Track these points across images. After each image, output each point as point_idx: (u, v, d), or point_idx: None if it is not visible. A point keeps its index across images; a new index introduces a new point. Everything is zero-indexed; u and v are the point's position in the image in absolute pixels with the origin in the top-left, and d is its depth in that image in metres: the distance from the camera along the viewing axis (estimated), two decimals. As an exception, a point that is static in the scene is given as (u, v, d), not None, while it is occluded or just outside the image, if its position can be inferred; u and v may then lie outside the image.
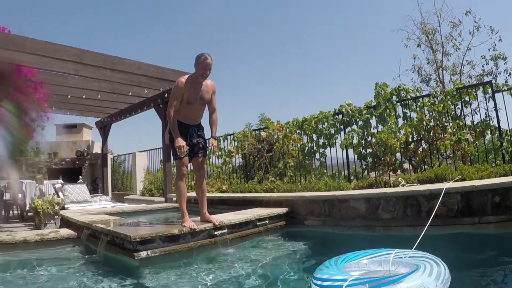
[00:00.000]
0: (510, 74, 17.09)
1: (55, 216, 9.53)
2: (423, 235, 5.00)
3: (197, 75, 6.36)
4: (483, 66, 17.98)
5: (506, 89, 8.47)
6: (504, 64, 17.41)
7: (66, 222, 8.74)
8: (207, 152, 7.13)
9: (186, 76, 6.40)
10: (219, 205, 9.96)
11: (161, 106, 13.12)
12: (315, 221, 7.84)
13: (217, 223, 6.34)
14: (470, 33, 18.31)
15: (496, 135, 8.42)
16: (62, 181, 14.73)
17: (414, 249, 4.47)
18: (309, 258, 5.90)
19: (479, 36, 18.48)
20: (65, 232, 7.57)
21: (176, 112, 6.31)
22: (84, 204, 12.94)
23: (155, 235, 5.53)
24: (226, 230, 6.47)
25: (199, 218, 6.63)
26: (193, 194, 7.12)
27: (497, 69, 17.57)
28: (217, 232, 6.32)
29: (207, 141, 6.78)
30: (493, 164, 8.12)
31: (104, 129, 18.32)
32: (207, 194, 7.55)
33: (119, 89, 12.93)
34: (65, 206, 12.06)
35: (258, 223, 7.24)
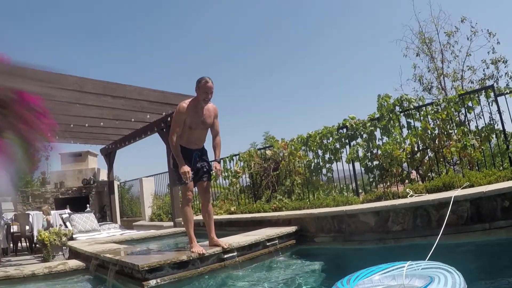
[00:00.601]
0: (511, 77, 17.10)
1: (63, 247, 9.50)
2: (435, 246, 4.95)
3: (199, 99, 6.32)
4: (484, 71, 18.00)
5: (508, 92, 8.43)
6: (505, 67, 17.43)
7: (74, 253, 8.67)
8: (212, 176, 7.07)
9: (187, 101, 6.35)
10: (228, 227, 9.86)
11: (164, 130, 13.07)
12: (325, 238, 7.75)
13: (226, 247, 6.27)
14: (468, 39, 18.37)
15: (502, 138, 8.37)
16: (69, 211, 14.73)
17: (427, 260, 4.40)
18: (322, 277, 5.83)
19: (477, 41, 18.53)
20: (74, 263, 7.53)
21: (179, 137, 6.27)
22: (93, 233, 12.89)
23: (163, 262, 5.48)
24: (235, 253, 6.39)
25: (207, 242, 6.57)
26: (201, 217, 7.06)
27: (498, 73, 17.59)
28: (226, 256, 6.25)
29: (211, 164, 6.74)
30: (500, 168, 8.07)
31: (109, 156, 18.26)
32: (216, 217, 7.50)
33: (121, 115, 12.88)
34: (74, 236, 12.02)
35: (267, 244, 7.15)
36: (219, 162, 6.65)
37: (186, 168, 6.10)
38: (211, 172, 6.77)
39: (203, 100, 6.30)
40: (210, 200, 6.88)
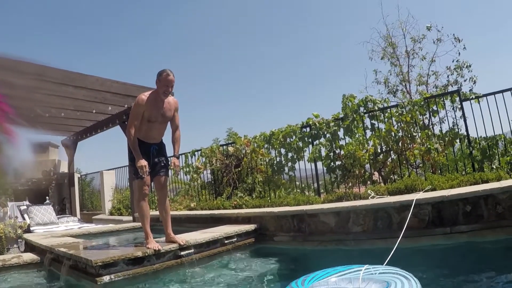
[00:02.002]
0: (475, 82, 17.27)
1: (18, 240, 9.25)
2: (396, 249, 4.92)
3: (159, 92, 6.18)
4: (448, 77, 18.14)
5: (474, 97, 8.46)
6: (469, 72, 17.58)
7: (30, 246, 8.49)
8: (173, 171, 6.94)
9: (147, 93, 6.21)
10: (187, 223, 9.72)
11: (126, 123, 12.79)
12: (284, 237, 7.68)
13: (182, 243, 6.15)
14: (434, 43, 18.50)
15: (465, 143, 8.40)
16: (28, 203, 14.41)
17: (386, 264, 4.35)
18: (278, 277, 5.77)
19: (444, 46, 18.71)
20: (28, 257, 7.34)
21: (137, 130, 6.12)
22: (51, 226, 12.67)
23: (117, 258, 5.33)
24: (192, 250, 6.28)
25: (164, 238, 6.44)
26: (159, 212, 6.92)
27: (463, 78, 17.72)
28: (183, 253, 6.13)
29: (169, 159, 6.60)
30: (463, 173, 8.11)
31: (70, 147, 17.96)
32: (175, 213, 7.35)
33: (83, 106, 12.54)
34: (31, 228, 11.79)
35: (226, 241, 7.06)
36: (177, 158, 6.49)
37: (143, 162, 5.95)
38: (169, 168, 6.64)
39: (163, 93, 6.16)
40: (167, 195, 6.75)
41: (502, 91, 7.80)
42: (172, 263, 5.99)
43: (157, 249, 5.77)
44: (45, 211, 13.46)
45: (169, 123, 6.53)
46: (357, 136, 9.55)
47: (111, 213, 16.22)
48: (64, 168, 19.62)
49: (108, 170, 17.66)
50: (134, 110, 6.23)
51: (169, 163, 6.54)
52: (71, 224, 13.32)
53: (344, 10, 47.45)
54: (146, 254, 5.66)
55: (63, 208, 18.73)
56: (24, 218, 12.78)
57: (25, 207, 13.62)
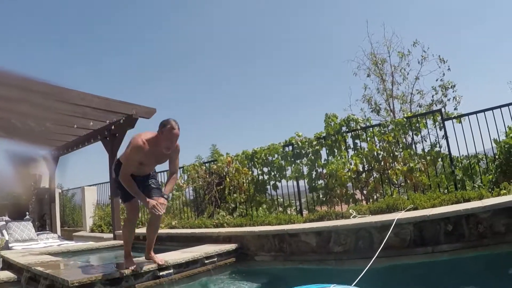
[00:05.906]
0: (459, 102, 17.30)
1: (-5, 258, 9.11)
2: (374, 268, 4.95)
3: (160, 144, 5.66)
4: (433, 96, 18.17)
5: (456, 116, 8.51)
6: (453, 92, 17.62)
7: (7, 264, 8.31)
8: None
9: (145, 139, 5.70)
10: (167, 242, 9.63)
11: (107, 138, 12.60)
12: (265, 257, 7.62)
13: (161, 263, 6.06)
14: (418, 62, 18.53)
15: (447, 162, 8.41)
16: (7, 218, 14.23)
17: (354, 284, 4.31)
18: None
19: (428, 66, 18.72)
20: (5, 275, 7.17)
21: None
22: (30, 243, 12.48)
23: (95, 278, 5.24)
24: (172, 270, 6.20)
25: (143, 258, 6.35)
26: (142, 230, 6.80)
27: (446, 97, 17.76)
28: (162, 273, 6.05)
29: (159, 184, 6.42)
30: (445, 191, 8.11)
31: (51, 162, 17.76)
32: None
33: (64, 120, 12.37)
34: (9, 245, 11.62)
35: (206, 261, 6.97)
36: (166, 199, 6.00)
37: (153, 202, 5.64)
38: (160, 186, 6.37)
39: (165, 147, 5.68)
40: (161, 217, 6.51)
41: (483, 110, 7.86)
42: (151, 284, 5.89)
43: (135, 269, 5.69)
44: (24, 227, 13.28)
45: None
46: (338, 156, 9.55)
47: (92, 230, 16.02)
48: (45, 183, 19.40)
49: (90, 186, 17.47)
50: (130, 155, 5.75)
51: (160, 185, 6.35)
52: (51, 241, 13.13)
53: (328, 28, 47.69)
54: (124, 275, 5.58)
55: (43, 224, 18.49)
56: (2, 235, 12.61)
57: (3, 222, 13.42)
